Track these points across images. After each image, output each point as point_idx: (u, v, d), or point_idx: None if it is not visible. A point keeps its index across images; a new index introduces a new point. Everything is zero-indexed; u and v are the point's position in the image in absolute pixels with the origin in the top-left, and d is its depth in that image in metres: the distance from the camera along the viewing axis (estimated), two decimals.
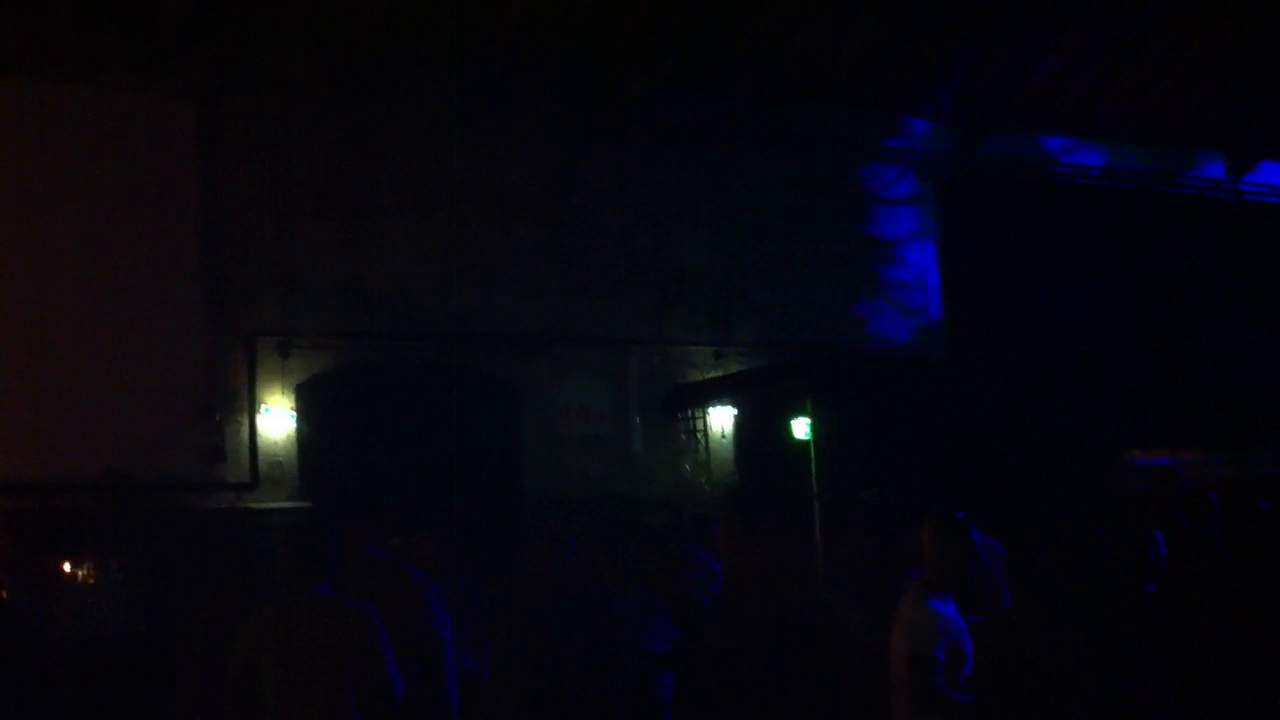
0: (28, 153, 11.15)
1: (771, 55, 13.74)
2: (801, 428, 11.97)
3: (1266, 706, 5.69)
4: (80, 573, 10.14)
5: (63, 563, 10.12)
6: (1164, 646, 5.74)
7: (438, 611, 6.21)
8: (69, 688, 7.63)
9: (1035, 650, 5.67)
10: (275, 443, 11.78)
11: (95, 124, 11.32)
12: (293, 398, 11.89)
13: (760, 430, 12.87)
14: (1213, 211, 16.49)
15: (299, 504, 11.48)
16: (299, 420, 11.87)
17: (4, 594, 7.81)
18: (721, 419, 13.27)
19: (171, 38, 11.40)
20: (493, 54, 12.78)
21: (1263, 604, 5.83)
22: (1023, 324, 14.50)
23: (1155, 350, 15.33)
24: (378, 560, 6.38)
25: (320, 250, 12.10)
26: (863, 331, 14.50)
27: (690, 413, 13.34)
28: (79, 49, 11.31)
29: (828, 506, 10.97)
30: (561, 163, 13.23)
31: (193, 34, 11.53)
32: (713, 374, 13.53)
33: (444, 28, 12.38)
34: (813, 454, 11.57)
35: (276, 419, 11.76)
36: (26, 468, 10.56)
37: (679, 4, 12.24)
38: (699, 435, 13.29)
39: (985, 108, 14.90)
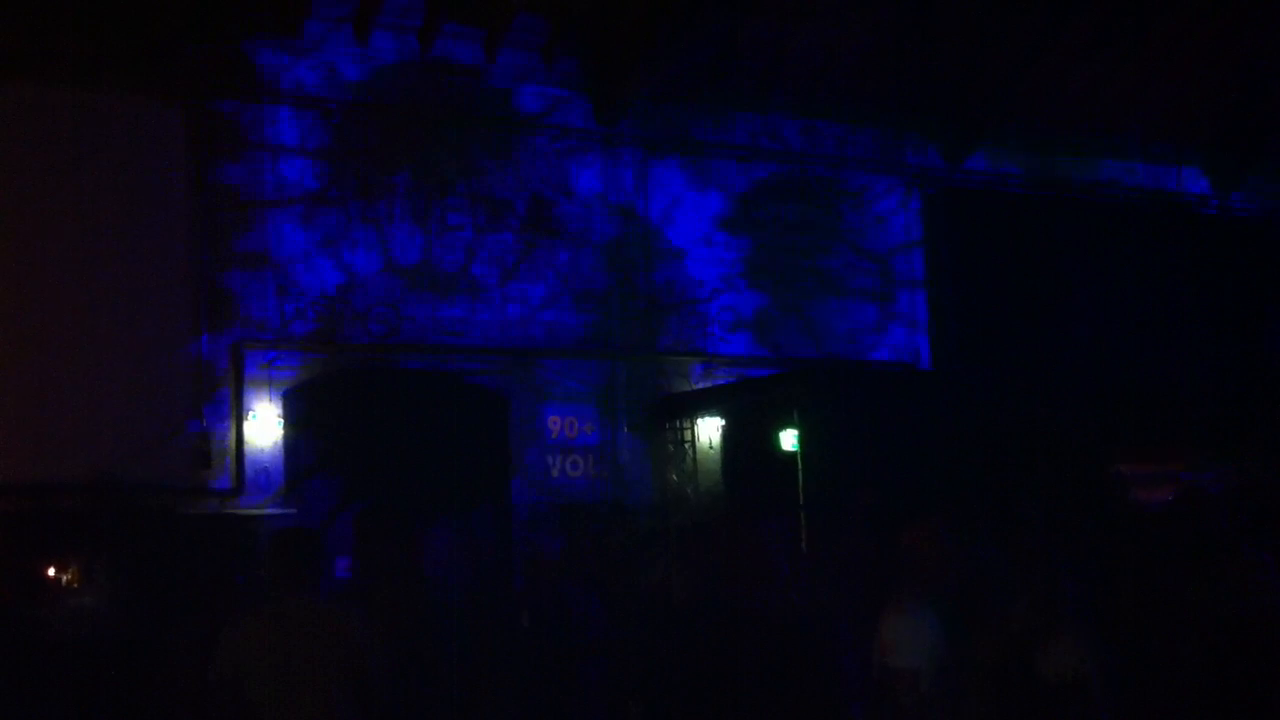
0: (17, 156, 11.12)
1: (765, 63, 13.80)
2: (789, 439, 11.99)
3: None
4: (69, 576, 10.09)
5: (52, 566, 10.08)
6: (1168, 653, 5.76)
7: None
8: (58, 691, 7.59)
9: (1040, 660, 5.67)
10: (262, 449, 11.74)
11: (86, 127, 11.30)
12: (280, 404, 11.85)
13: (748, 441, 12.87)
14: (1202, 225, 16.58)
15: (285, 510, 11.44)
16: (286, 427, 11.84)
17: None
18: (709, 430, 13.26)
19: (164, 41, 11.39)
20: (485, 60, 12.83)
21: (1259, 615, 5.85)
22: (1011, 336, 14.57)
23: (1146, 361, 15.39)
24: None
25: (309, 257, 12.08)
26: (851, 343, 14.53)
27: (678, 423, 13.34)
28: (70, 52, 11.28)
29: (814, 516, 11.00)
30: (553, 172, 13.25)
31: (186, 37, 11.54)
32: (701, 385, 13.54)
33: (436, 32, 12.44)
34: (800, 465, 11.59)
35: (263, 425, 11.72)
36: (16, 470, 10.52)
37: (674, 8, 12.27)
38: (686, 445, 13.28)
39: (974, 121, 14.98)
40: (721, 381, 13.55)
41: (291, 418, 11.91)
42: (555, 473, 12.86)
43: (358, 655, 5.48)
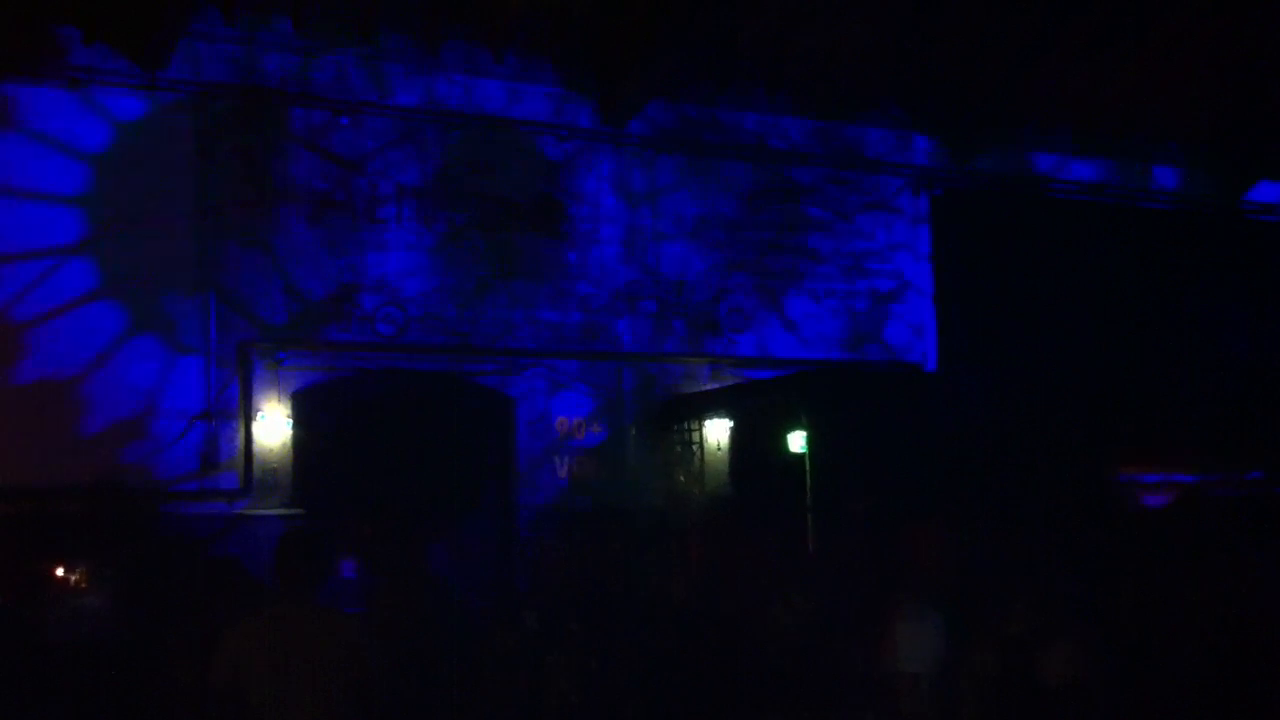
0: (24, 156, 11.16)
1: (769, 63, 13.82)
2: (797, 441, 11.99)
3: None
4: (72, 579, 10.12)
5: (55, 569, 10.10)
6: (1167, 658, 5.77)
7: None
8: (60, 693, 7.62)
9: (1040, 662, 5.68)
10: (270, 450, 11.77)
11: (91, 129, 11.35)
12: (288, 405, 11.89)
13: (755, 442, 12.88)
14: (1208, 226, 16.59)
15: (293, 511, 11.47)
16: (294, 428, 11.87)
17: None
18: (717, 431, 13.27)
19: (170, 42, 11.42)
20: (490, 60, 12.88)
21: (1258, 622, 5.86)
22: (1016, 338, 14.56)
23: (1150, 365, 15.37)
24: None
25: (317, 258, 12.12)
26: (858, 344, 14.54)
27: (686, 425, 13.35)
28: (76, 54, 11.34)
29: (821, 518, 11.00)
30: (559, 172, 13.28)
31: (192, 38, 11.58)
32: (708, 386, 13.55)
33: (441, 34, 12.48)
34: (808, 466, 11.59)
35: (271, 426, 11.76)
36: (19, 473, 10.53)
37: (678, 9, 12.30)
38: (694, 447, 13.29)
39: (980, 122, 15.00)
40: (729, 383, 13.56)
41: (300, 418, 11.94)
42: (562, 474, 12.87)
43: (358, 657, 5.51)
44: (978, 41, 13.99)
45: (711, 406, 13.24)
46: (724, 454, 13.27)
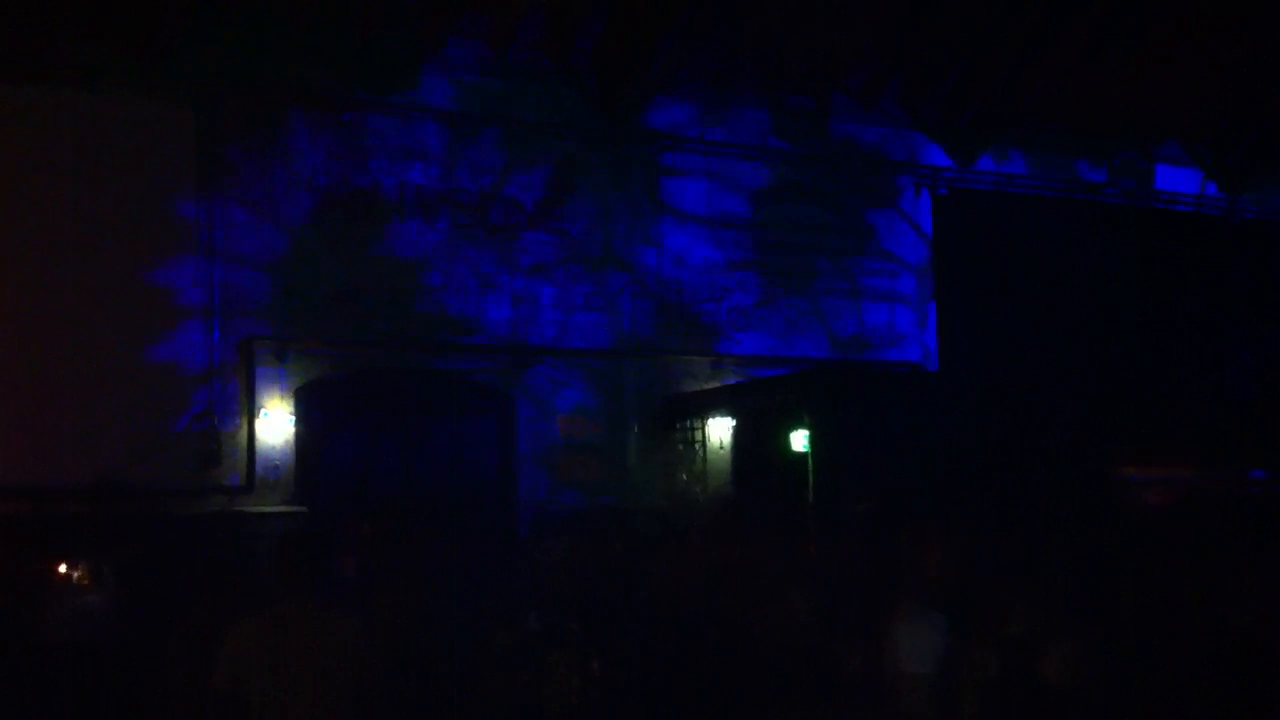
0: (24, 158, 11.16)
1: (772, 63, 13.83)
2: (799, 440, 11.99)
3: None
4: (74, 578, 10.12)
5: (56, 568, 10.10)
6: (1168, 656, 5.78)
7: None
8: (60, 693, 7.62)
9: (1041, 662, 5.69)
10: (273, 447, 11.77)
11: (94, 129, 11.34)
12: (291, 402, 11.89)
13: (758, 441, 12.89)
14: (1210, 227, 16.61)
15: (295, 508, 11.47)
16: (297, 424, 11.88)
17: None
18: (719, 430, 13.28)
19: (171, 42, 11.43)
20: (492, 60, 12.89)
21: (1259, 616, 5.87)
22: (1017, 338, 14.59)
23: (1150, 365, 15.39)
24: None
25: (319, 256, 12.13)
26: (861, 343, 14.55)
27: (688, 423, 13.35)
28: (78, 54, 11.33)
29: (823, 517, 11.00)
30: (561, 171, 13.29)
31: (192, 39, 11.58)
32: (710, 385, 13.55)
33: (443, 32, 12.48)
34: (810, 465, 11.59)
35: (275, 423, 11.76)
36: (21, 473, 10.54)
37: (681, 10, 12.31)
38: (696, 446, 13.29)
39: (983, 122, 15.01)
40: (731, 381, 13.56)
41: (302, 415, 11.95)
42: (563, 472, 12.88)
43: (358, 657, 5.50)
44: (978, 41, 14.00)
45: (713, 405, 13.25)
46: (726, 453, 13.27)
